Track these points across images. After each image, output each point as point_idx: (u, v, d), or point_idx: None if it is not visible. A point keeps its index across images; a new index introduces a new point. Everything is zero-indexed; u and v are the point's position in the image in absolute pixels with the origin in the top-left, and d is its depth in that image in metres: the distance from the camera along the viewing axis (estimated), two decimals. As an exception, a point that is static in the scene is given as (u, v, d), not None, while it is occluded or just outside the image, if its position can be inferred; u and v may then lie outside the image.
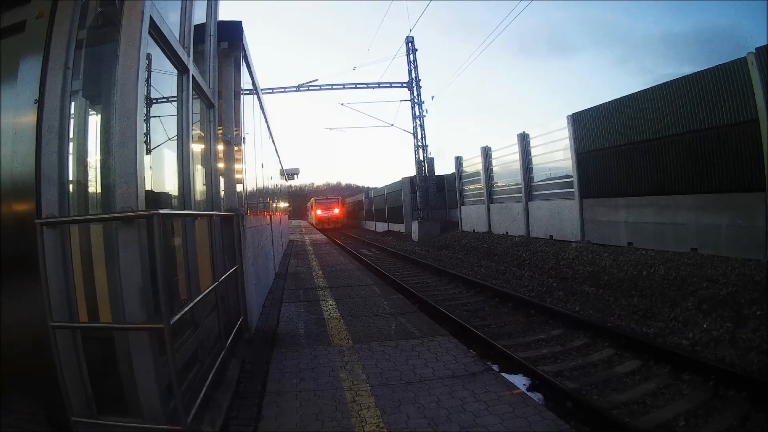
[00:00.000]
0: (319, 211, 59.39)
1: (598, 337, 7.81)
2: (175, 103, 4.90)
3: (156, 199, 4.50)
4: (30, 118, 3.26)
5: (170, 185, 5.01)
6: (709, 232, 11.49)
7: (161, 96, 4.85)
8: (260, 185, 12.00)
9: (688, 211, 12.15)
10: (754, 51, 10.40)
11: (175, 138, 4.92)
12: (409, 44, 32.65)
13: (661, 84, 13.41)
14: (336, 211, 58.80)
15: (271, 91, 32.25)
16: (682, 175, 12.45)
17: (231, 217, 6.55)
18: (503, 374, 5.61)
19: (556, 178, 18.77)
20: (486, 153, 24.55)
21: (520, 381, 5.99)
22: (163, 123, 4.94)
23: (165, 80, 4.74)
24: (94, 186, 3.76)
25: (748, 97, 10.52)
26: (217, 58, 6.54)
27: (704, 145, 11.75)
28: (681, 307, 8.94)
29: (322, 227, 54.92)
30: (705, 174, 11.73)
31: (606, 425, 4.86)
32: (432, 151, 35.14)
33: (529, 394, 4.92)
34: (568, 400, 5.47)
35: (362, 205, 58.12)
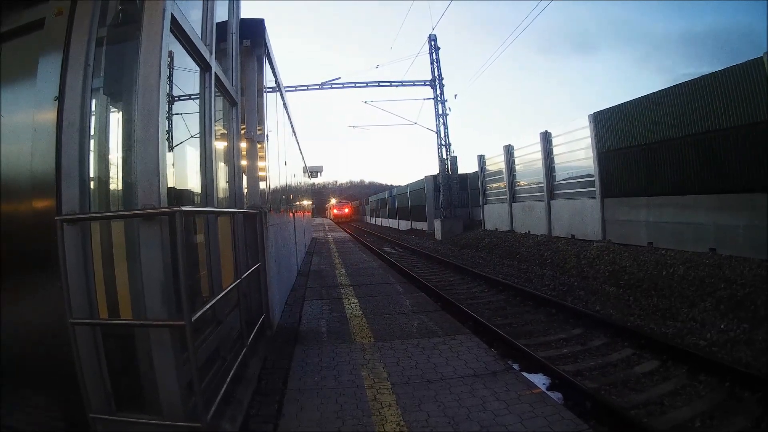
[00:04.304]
0: (335, 210, 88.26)
1: (617, 337, 7.78)
2: (197, 101, 4.92)
3: (178, 196, 4.51)
4: (50, 115, 3.28)
5: (193, 182, 5.04)
6: (728, 232, 11.29)
7: (183, 93, 4.88)
8: (283, 183, 12.05)
9: (707, 212, 11.96)
10: (769, 50, 10.30)
11: (198, 135, 4.94)
12: (432, 42, 32.55)
13: (679, 84, 13.25)
14: (347, 210, 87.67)
15: (294, 88, 32.46)
16: (701, 175, 12.27)
17: (254, 215, 6.58)
18: (524, 373, 5.56)
19: (577, 178, 18.53)
20: (509, 151, 24.33)
21: (540, 380, 5.96)
22: (186, 120, 4.96)
23: (187, 78, 4.76)
24: (116, 183, 3.77)
25: (765, 97, 10.37)
26: (239, 55, 6.56)
27: (722, 145, 11.59)
28: (699, 308, 8.90)
29: (338, 221, 77.39)
30: (723, 174, 11.55)
31: (624, 425, 4.83)
32: (455, 150, 34.92)
33: (548, 393, 4.87)
34: (587, 399, 5.45)
35: (385, 203, 58.45)
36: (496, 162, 26.61)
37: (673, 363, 6.50)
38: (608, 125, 16.18)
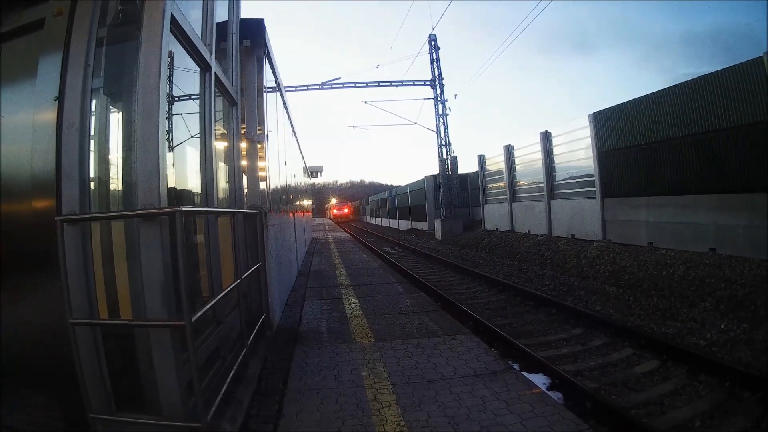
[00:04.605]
0: (335, 211, 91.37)
1: (617, 337, 7.79)
2: (197, 101, 4.91)
3: (178, 196, 4.51)
4: (50, 116, 3.28)
5: (193, 183, 5.03)
6: (728, 232, 11.30)
7: (183, 93, 4.88)
8: (283, 183, 12.05)
9: (707, 211, 11.97)
10: (768, 50, 10.32)
11: (198, 135, 4.94)
12: (432, 42, 32.53)
13: (679, 83, 13.27)
14: (346, 210, 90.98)
15: (294, 88, 32.48)
16: (701, 175, 12.30)
17: (254, 215, 6.57)
18: (524, 373, 5.56)
19: (577, 177, 18.55)
20: (509, 151, 24.34)
21: (540, 380, 5.97)
22: (186, 120, 4.96)
23: (187, 78, 4.76)
24: (116, 183, 3.77)
25: (765, 97, 10.38)
26: (239, 55, 6.55)
27: (722, 145, 11.61)
28: (699, 308, 8.91)
29: (338, 221, 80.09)
30: (723, 174, 11.57)
31: (624, 425, 4.83)
32: (455, 149, 34.89)
33: (549, 393, 4.87)
34: (588, 399, 5.45)
35: (386, 203, 58.45)
36: (496, 162, 26.61)
37: (673, 363, 6.50)
38: (608, 125, 16.18)
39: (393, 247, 28.04)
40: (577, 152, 18.39)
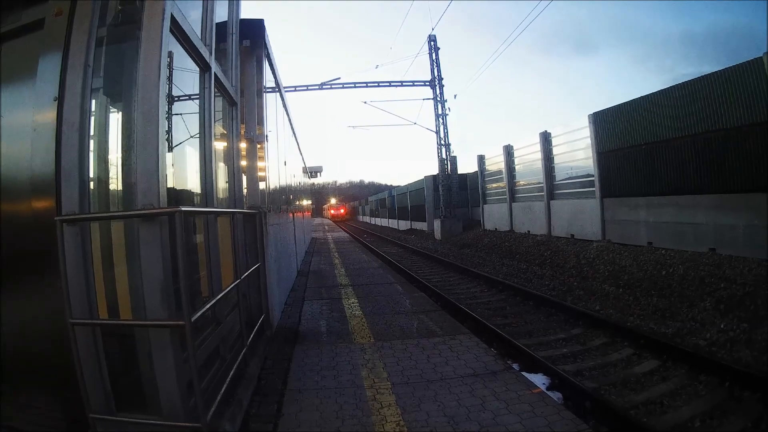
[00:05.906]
0: (332, 211, 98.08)
1: (617, 337, 7.78)
2: (197, 101, 4.91)
3: (178, 196, 4.50)
4: (50, 116, 3.27)
5: (192, 183, 5.03)
6: (728, 232, 11.34)
7: (183, 94, 4.87)
8: (283, 183, 12.04)
9: (707, 211, 12.02)
10: (768, 51, 10.34)
11: (198, 135, 4.93)
12: (432, 42, 32.50)
13: (679, 84, 13.31)
14: (342, 211, 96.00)
15: (293, 89, 32.41)
16: (701, 175, 12.33)
17: (254, 215, 6.57)
18: (523, 373, 5.58)
19: (577, 178, 18.59)
20: (508, 151, 24.36)
21: (539, 380, 5.95)
22: (185, 120, 4.95)
23: (187, 78, 4.75)
24: (116, 183, 3.76)
25: (764, 97, 10.41)
26: (239, 56, 6.54)
27: (722, 145, 11.62)
28: (699, 307, 8.88)
29: (336, 221, 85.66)
30: (723, 174, 11.60)
31: (624, 425, 4.83)
32: (454, 150, 34.87)
33: (548, 393, 4.87)
34: (587, 399, 5.44)
35: (385, 203, 58.42)
36: (495, 162, 26.63)
37: (672, 363, 6.50)
38: (608, 125, 16.21)
39: (392, 247, 28.05)
40: (577, 152, 18.42)
